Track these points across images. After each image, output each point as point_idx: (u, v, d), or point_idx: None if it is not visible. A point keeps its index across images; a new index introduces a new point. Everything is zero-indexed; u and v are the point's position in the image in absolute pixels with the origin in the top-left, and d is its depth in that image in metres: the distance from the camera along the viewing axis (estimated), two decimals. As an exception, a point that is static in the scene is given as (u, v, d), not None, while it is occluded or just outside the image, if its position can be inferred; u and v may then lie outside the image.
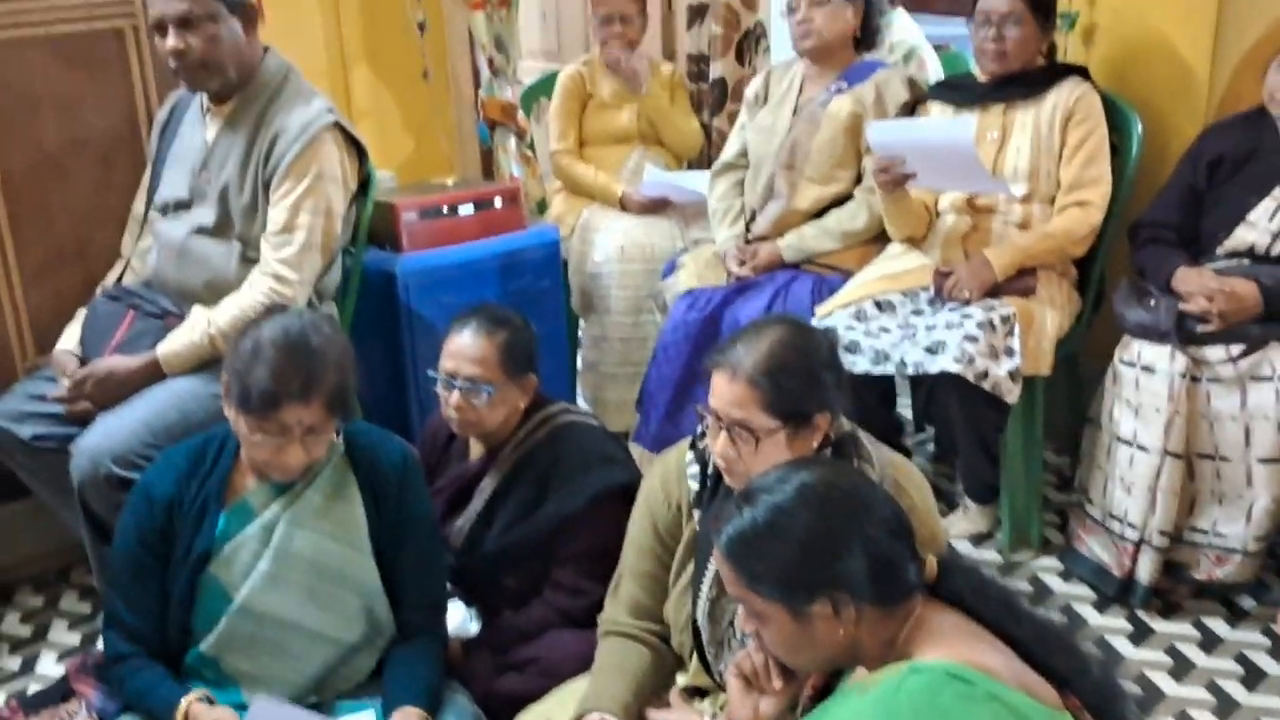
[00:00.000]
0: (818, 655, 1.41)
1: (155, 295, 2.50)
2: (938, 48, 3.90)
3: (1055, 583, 2.66)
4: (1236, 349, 2.37)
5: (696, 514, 1.85)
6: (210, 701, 1.82)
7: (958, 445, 2.78)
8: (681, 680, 1.87)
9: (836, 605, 1.34)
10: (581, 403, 3.49)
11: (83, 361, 2.40)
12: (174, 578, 1.87)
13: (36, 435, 2.37)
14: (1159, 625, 2.49)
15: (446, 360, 2.13)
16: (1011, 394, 2.50)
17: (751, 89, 3.17)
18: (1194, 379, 2.40)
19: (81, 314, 2.53)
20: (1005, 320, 2.53)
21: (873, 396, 2.82)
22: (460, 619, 2.18)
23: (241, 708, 1.82)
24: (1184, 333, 2.41)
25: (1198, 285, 2.43)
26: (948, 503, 2.98)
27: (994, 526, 2.82)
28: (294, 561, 1.86)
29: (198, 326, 2.35)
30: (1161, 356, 2.42)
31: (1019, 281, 2.63)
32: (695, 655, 1.83)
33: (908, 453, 3.11)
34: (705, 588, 1.78)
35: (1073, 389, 2.91)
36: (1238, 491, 2.41)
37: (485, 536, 2.18)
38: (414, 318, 2.84)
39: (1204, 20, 2.75)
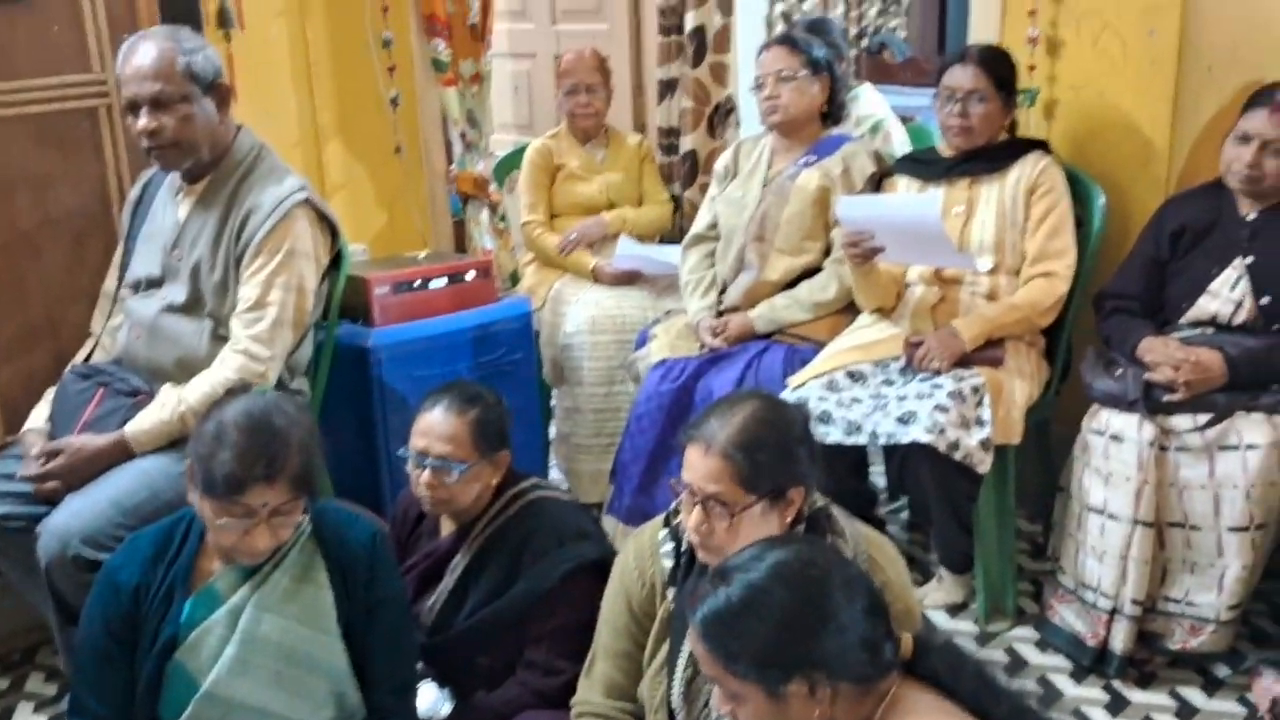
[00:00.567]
0: (794, 735, 1.39)
1: (125, 373, 2.48)
2: (904, 119, 3.98)
3: (1031, 653, 2.66)
4: (1203, 418, 2.40)
5: (671, 592, 1.84)
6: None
7: (931, 515, 2.78)
8: (657, 762, 1.85)
9: (812, 685, 1.34)
10: (555, 474, 3.48)
11: (52, 440, 2.37)
12: (140, 665, 1.85)
13: (4, 515, 2.32)
14: (1135, 695, 2.48)
15: (417, 438, 2.12)
16: (983, 464, 2.51)
17: (721, 162, 3.22)
18: (1162, 448, 2.42)
19: (51, 393, 2.50)
20: (975, 390, 2.55)
21: (846, 467, 2.83)
22: (432, 700, 2.14)
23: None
24: (1151, 402, 2.44)
25: (1163, 355, 2.47)
26: (923, 572, 2.98)
27: (969, 596, 2.82)
28: (261, 646, 1.83)
29: (168, 405, 2.33)
30: (1129, 425, 2.44)
31: (987, 352, 2.66)
32: (671, 736, 1.81)
33: (882, 523, 3.13)
34: (680, 667, 1.77)
35: (1044, 456, 2.93)
36: (1209, 560, 2.42)
37: (457, 615, 2.16)
38: (386, 392, 2.84)
39: (1162, 95, 2.82)
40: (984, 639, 2.71)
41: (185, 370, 2.40)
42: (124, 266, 2.59)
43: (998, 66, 2.74)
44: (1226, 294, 2.51)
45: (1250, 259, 2.49)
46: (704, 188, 3.41)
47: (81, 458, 2.28)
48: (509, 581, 2.13)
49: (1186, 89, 2.81)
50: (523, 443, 3.02)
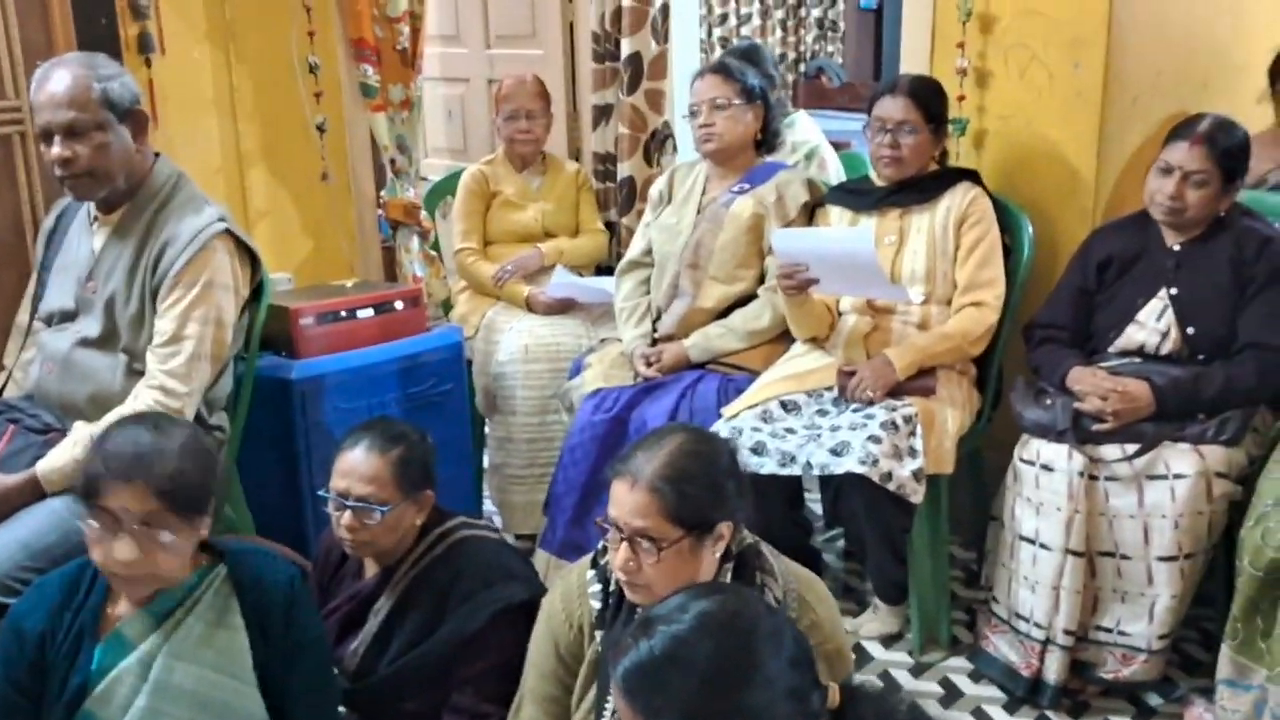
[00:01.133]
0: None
1: (37, 409, 2.40)
2: (839, 145, 4.01)
3: (965, 684, 2.65)
4: (1131, 448, 2.41)
5: (599, 634, 1.80)
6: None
7: (866, 546, 2.77)
8: (585, 810, 1.81)
9: (739, 738, 1.30)
10: (488, 505, 3.42)
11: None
12: (48, 716, 1.77)
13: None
14: (1069, 726, 2.49)
15: (338, 479, 2.06)
16: (916, 494, 2.51)
17: (656, 188, 3.20)
18: (1092, 477, 2.43)
19: (-42, 428, 2.41)
20: (908, 420, 2.55)
21: (781, 497, 2.81)
22: (356, 747, 2.09)
23: None
24: (1080, 431, 2.45)
25: (1091, 385, 2.48)
26: (859, 602, 2.97)
27: (905, 627, 2.81)
28: (174, 695, 1.77)
29: (80, 442, 2.24)
30: (1059, 455, 2.45)
31: (919, 381, 2.66)
32: (599, 783, 1.77)
33: (818, 553, 3.11)
34: (609, 712, 1.73)
35: (977, 484, 2.93)
36: (1139, 590, 2.42)
37: (381, 659, 2.10)
38: (310, 426, 2.77)
39: (1088, 126, 2.85)
40: (919, 670, 2.70)
41: (99, 407, 2.32)
42: (37, 298, 2.51)
43: (927, 98, 2.75)
44: (1153, 324, 2.53)
45: (1175, 290, 2.51)
46: (641, 214, 3.39)
47: (-10, 496, 2.20)
48: (434, 624, 2.08)
49: (1112, 120, 2.84)
50: (454, 475, 2.99)
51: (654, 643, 1.33)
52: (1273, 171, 2.93)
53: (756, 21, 7.38)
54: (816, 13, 7.66)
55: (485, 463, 3.42)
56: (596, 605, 1.82)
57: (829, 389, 2.68)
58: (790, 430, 2.61)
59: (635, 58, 3.54)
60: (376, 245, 3.66)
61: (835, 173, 3.62)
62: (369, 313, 2.92)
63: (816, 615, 1.78)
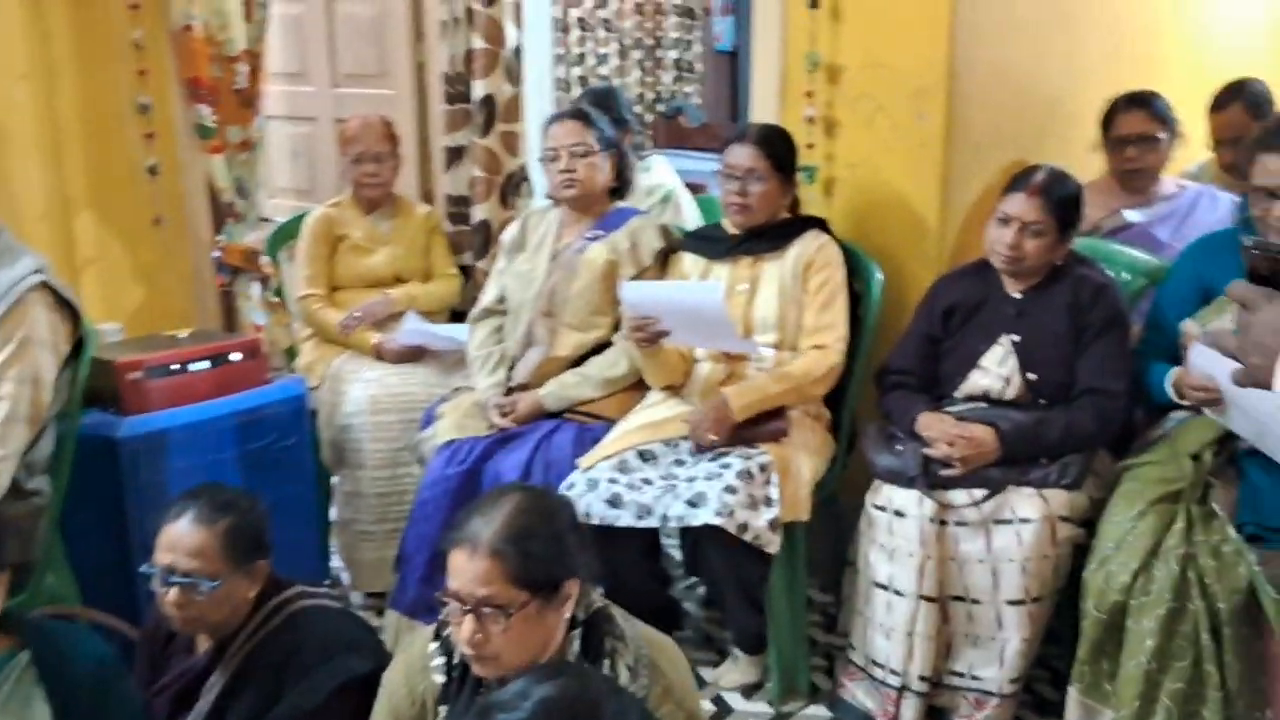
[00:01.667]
0: None
1: None
2: (696, 188, 4.02)
3: (825, 732, 2.64)
4: (979, 493, 2.44)
5: (443, 710, 1.72)
6: None
7: (724, 596, 2.74)
8: None
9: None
10: (336, 562, 3.29)
11: None
12: None
13: None
14: (925, 771, 2.49)
15: (162, 553, 1.92)
16: (772, 544, 2.49)
17: (508, 234, 3.14)
18: (942, 522, 2.45)
19: None
20: (763, 469, 2.54)
21: (638, 549, 2.75)
22: (184, 837, 1.94)
23: None
24: (930, 477, 2.47)
25: (939, 431, 2.51)
26: (719, 652, 2.94)
27: (764, 676, 2.79)
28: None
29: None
30: (910, 501, 2.46)
31: (770, 425, 2.65)
32: None
33: (676, 603, 3.07)
34: (454, 791, 1.65)
35: (833, 529, 2.93)
36: (990, 634, 2.45)
37: (214, 741, 1.97)
38: (141, 487, 2.60)
39: (932, 174, 2.90)
40: (779, 720, 2.68)
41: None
42: None
43: (775, 146, 2.76)
44: (996, 370, 2.58)
45: (1017, 336, 2.56)
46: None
47: None
48: (271, 701, 1.95)
49: (956, 167, 2.91)
50: (298, 536, 2.85)
51: (495, 732, 1.26)
52: (1106, 219, 3.04)
53: (615, 62, 7.40)
54: (674, 54, 7.73)
55: (333, 518, 3.29)
56: (440, 679, 1.74)
57: (685, 438, 2.66)
58: (647, 481, 2.57)
59: (488, 100, 3.49)
60: (213, 293, 3.49)
61: (691, 217, 3.62)
62: (204, 365, 2.77)
63: (669, 680, 1.74)
